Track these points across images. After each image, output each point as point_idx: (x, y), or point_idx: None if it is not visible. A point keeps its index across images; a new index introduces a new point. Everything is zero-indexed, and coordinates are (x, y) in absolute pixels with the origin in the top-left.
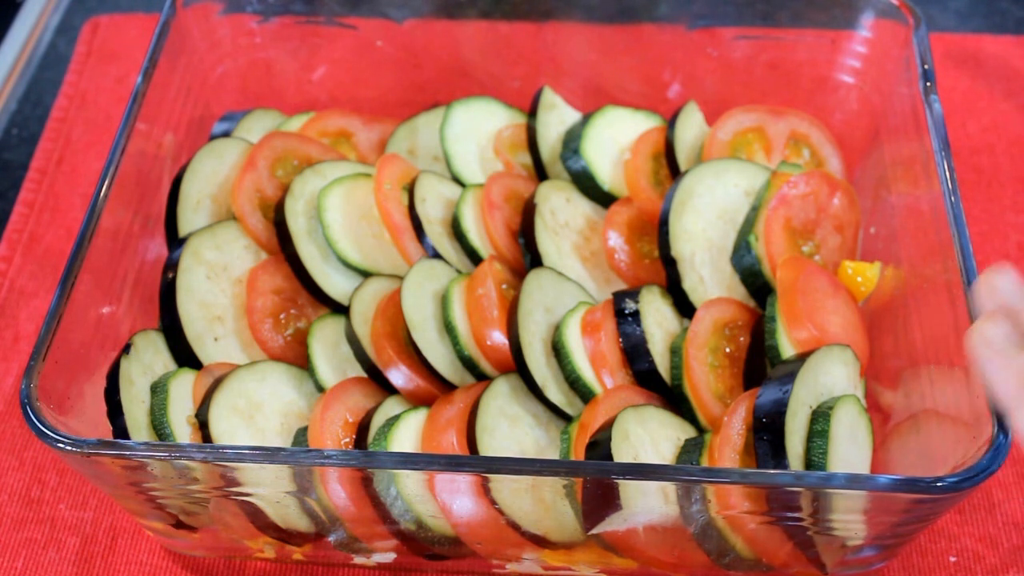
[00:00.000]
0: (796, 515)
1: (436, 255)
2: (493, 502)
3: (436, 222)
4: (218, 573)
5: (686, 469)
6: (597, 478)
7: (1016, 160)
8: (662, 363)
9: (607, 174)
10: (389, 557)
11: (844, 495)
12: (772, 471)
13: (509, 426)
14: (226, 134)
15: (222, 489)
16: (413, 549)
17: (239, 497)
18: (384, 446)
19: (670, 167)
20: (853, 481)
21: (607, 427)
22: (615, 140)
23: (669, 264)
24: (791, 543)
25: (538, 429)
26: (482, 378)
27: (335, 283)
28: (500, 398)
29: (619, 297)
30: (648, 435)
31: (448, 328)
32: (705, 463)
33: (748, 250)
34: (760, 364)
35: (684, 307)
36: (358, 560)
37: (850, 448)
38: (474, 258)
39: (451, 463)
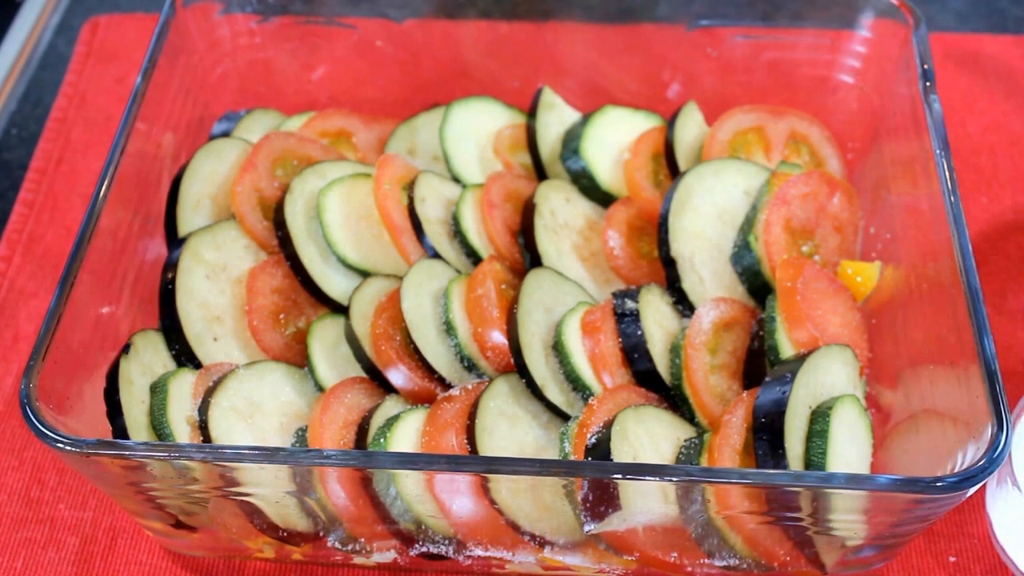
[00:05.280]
0: (796, 515)
1: (436, 255)
2: (493, 502)
3: (436, 222)
4: (218, 573)
5: (686, 469)
6: (597, 478)
7: (1016, 160)
8: (662, 363)
9: (607, 174)
10: (389, 557)
11: (844, 495)
12: (772, 471)
13: (509, 426)
14: (226, 134)
15: (222, 489)
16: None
17: (239, 497)
18: (384, 446)
19: (670, 167)
20: (853, 481)
21: (607, 427)
22: (615, 140)
23: (669, 264)
24: (791, 543)
25: (538, 429)
26: (482, 378)
27: (335, 283)
28: (500, 398)
29: (619, 297)
30: (648, 435)
31: (448, 328)
32: (705, 463)
33: (748, 250)
34: (760, 364)
35: (684, 307)
36: (358, 560)
37: (850, 448)
38: (474, 258)
39: (451, 463)
